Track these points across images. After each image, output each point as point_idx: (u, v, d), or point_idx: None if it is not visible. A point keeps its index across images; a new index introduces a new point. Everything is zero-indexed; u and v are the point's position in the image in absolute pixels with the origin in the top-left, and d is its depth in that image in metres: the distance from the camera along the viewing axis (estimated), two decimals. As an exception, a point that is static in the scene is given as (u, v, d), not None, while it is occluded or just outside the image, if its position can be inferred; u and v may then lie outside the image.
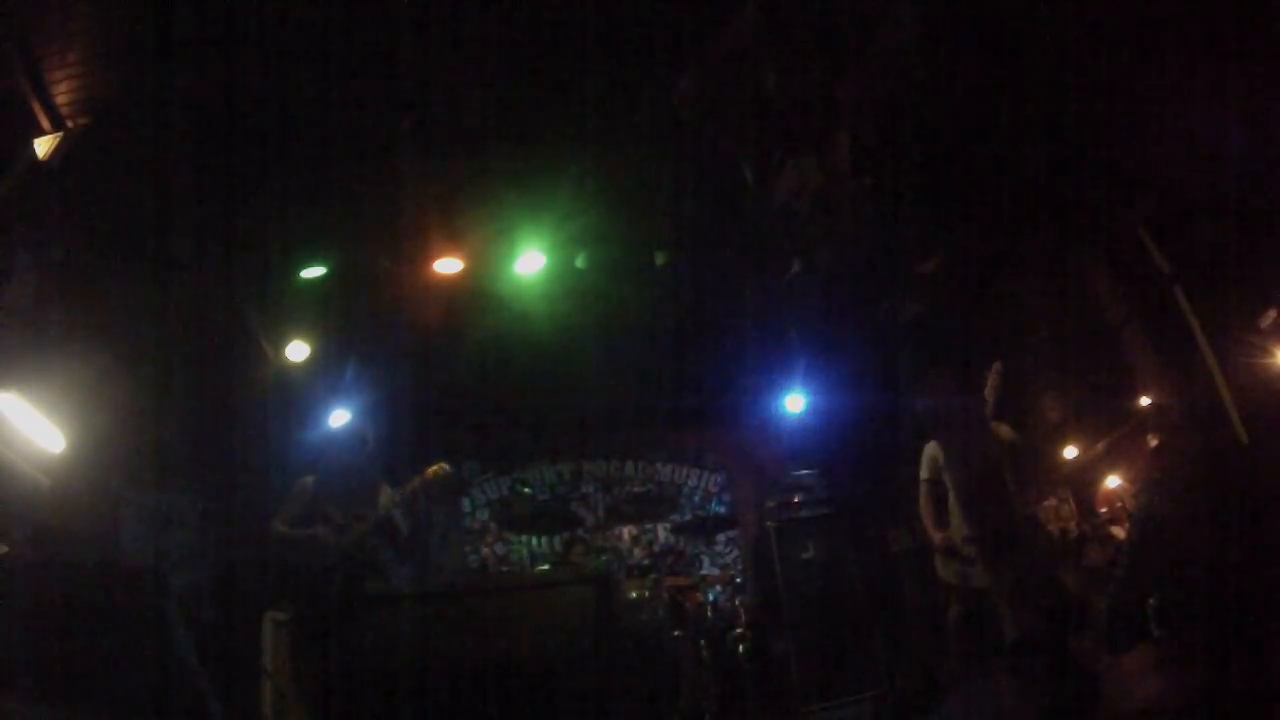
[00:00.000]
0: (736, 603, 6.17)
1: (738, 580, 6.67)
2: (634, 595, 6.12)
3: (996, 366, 5.01)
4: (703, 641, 5.60)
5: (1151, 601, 4.31)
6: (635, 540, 8.26)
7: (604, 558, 7.29)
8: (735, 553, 8.21)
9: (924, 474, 5.23)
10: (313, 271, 6.35)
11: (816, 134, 2.82)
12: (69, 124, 4.70)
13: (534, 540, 8.16)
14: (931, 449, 5.18)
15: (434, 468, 5.07)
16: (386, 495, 5.00)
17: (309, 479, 4.99)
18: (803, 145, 2.84)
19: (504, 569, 8.12)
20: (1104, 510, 6.84)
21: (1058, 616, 3.14)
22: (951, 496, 4.65)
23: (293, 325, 6.60)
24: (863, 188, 2.73)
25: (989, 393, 4.97)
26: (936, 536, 5.06)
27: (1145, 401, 6.17)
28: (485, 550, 8.31)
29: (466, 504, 8.44)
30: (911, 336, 2.76)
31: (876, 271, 2.80)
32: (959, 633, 5.24)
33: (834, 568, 6.05)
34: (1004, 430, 5.04)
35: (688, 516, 8.33)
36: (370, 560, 4.82)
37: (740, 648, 5.70)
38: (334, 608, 4.14)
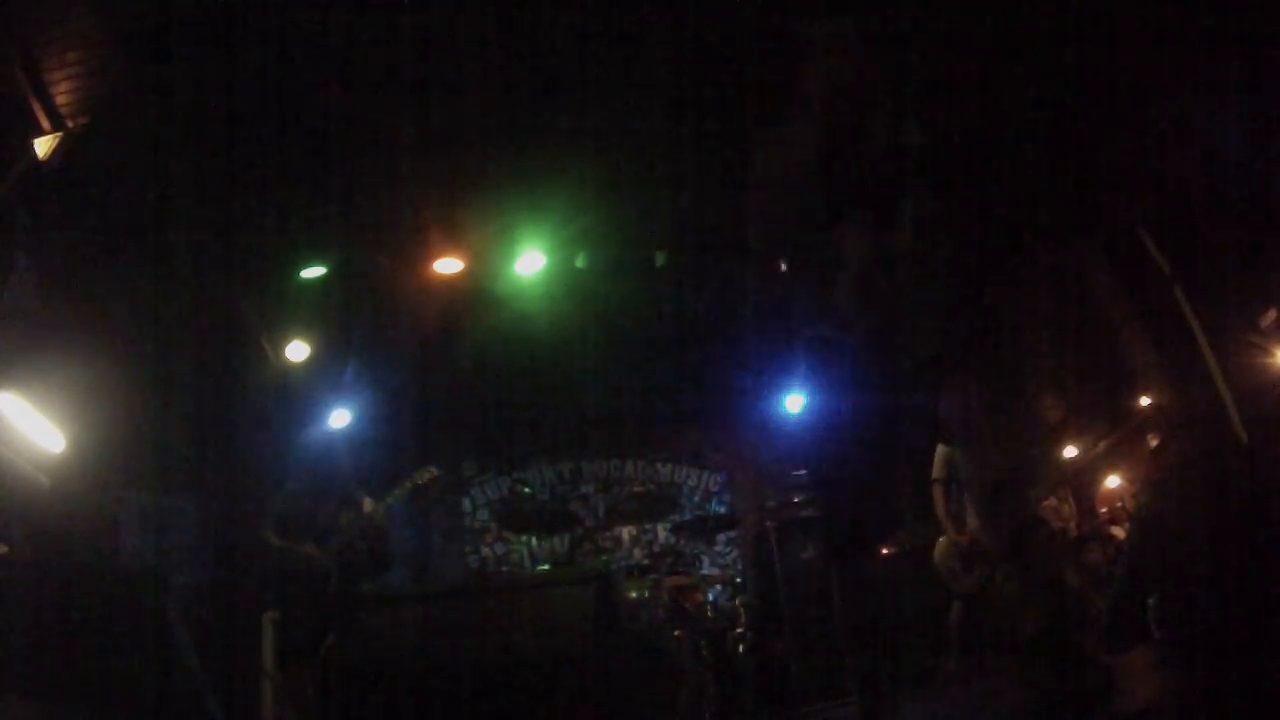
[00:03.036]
0: (736, 603, 6.14)
1: (738, 580, 6.65)
2: (634, 595, 6.09)
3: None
4: (703, 641, 5.59)
5: (1151, 601, 4.31)
6: (635, 540, 8.25)
7: (604, 558, 7.27)
8: (735, 553, 8.20)
9: (938, 474, 5.21)
10: (313, 271, 6.36)
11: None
12: (69, 124, 4.69)
13: (534, 540, 8.14)
14: (946, 449, 5.16)
15: (424, 473, 5.06)
16: (369, 504, 5.00)
17: (290, 484, 5.03)
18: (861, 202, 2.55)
19: (504, 569, 8.11)
20: (1104, 510, 6.83)
21: (1063, 615, 3.14)
22: (967, 498, 4.66)
23: (293, 325, 6.60)
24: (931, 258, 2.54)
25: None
26: (961, 539, 5.03)
27: (1145, 401, 6.16)
28: (485, 550, 8.32)
29: (466, 504, 8.44)
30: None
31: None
32: (959, 633, 5.25)
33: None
34: None
35: (688, 516, 8.30)
36: (356, 564, 4.82)
37: (740, 648, 5.69)
38: (330, 610, 4.13)
